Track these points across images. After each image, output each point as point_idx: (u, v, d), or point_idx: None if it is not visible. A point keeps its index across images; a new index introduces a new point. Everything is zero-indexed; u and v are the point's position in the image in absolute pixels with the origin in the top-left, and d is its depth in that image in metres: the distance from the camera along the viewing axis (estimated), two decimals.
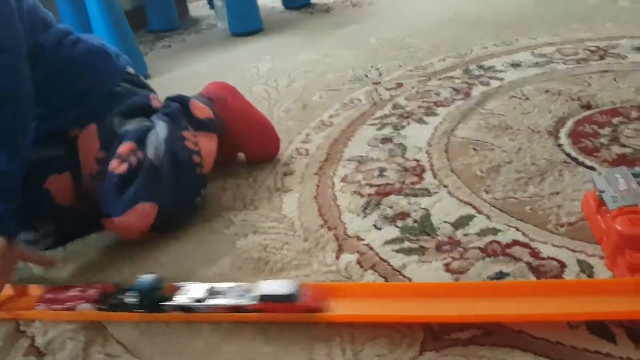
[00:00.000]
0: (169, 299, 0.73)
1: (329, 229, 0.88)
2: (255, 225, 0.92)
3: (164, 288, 0.75)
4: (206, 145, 0.99)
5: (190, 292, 0.73)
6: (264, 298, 0.69)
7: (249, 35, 2.08)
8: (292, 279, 0.77)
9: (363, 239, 0.84)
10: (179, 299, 0.72)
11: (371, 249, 0.81)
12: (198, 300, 0.72)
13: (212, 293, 0.72)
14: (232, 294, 0.72)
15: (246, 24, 2.10)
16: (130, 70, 1.01)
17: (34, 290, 0.82)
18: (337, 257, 0.81)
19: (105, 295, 0.76)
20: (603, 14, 1.68)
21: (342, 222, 0.89)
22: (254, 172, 1.09)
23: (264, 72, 1.69)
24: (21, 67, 0.81)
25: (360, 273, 0.77)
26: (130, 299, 0.74)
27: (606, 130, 1.02)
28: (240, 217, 0.95)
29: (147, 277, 0.75)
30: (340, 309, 0.68)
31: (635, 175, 0.75)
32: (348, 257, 0.80)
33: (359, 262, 0.79)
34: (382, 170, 1.02)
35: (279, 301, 0.68)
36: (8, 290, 0.81)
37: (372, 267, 0.78)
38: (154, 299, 0.73)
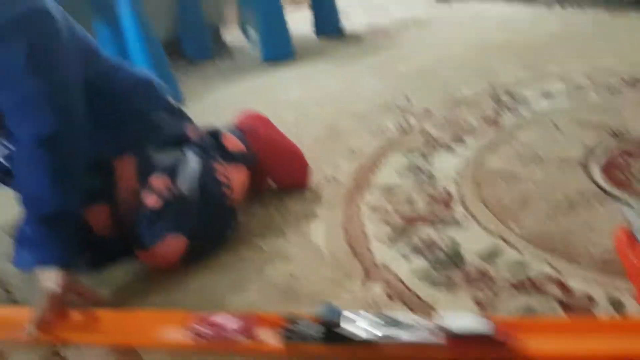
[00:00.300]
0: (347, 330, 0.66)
1: (357, 257, 0.88)
2: (283, 253, 0.93)
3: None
4: (236, 178, 1.02)
5: (361, 323, 0.66)
6: (457, 335, 0.61)
7: (280, 63, 2.12)
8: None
9: (391, 269, 0.84)
10: (352, 329, 0.65)
11: (399, 279, 0.82)
12: (379, 334, 0.64)
13: (389, 325, 0.65)
14: (412, 327, 0.64)
15: (278, 51, 2.14)
16: (171, 100, 1.05)
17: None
18: (365, 287, 0.81)
19: (279, 327, 0.68)
20: (636, 42, 1.66)
21: (370, 251, 0.90)
22: (283, 199, 1.10)
23: (294, 99, 1.72)
24: (77, 104, 0.85)
25: (387, 304, 0.77)
26: (310, 330, 0.66)
27: (639, 162, 1.00)
28: (269, 244, 0.96)
29: (328, 308, 0.68)
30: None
31: None
32: (376, 287, 0.81)
33: (386, 293, 0.79)
34: (410, 199, 1.03)
35: (474, 338, 0.61)
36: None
37: (399, 298, 0.78)
38: (336, 331, 0.65)
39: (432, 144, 1.23)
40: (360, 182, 1.13)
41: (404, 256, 0.87)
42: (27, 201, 0.83)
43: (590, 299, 0.71)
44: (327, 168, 1.20)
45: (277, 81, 1.93)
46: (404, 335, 0.63)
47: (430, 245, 0.88)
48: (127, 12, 1.76)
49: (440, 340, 0.62)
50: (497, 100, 1.40)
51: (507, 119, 1.28)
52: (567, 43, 1.76)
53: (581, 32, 1.86)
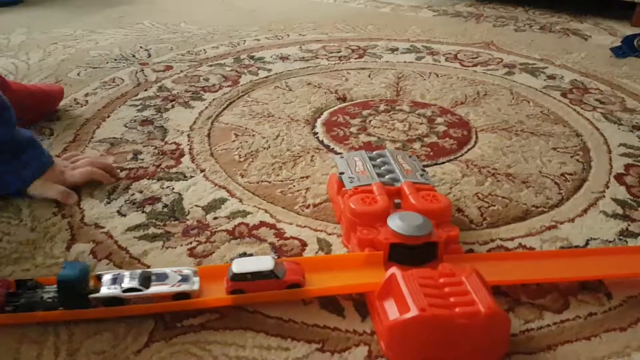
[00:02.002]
0: (97, 291, 0.59)
1: (63, 217, 0.77)
2: None
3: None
4: None
5: (117, 281, 0.60)
6: (239, 277, 0.60)
7: (4, 6, 1.81)
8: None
9: (102, 227, 0.75)
10: (107, 290, 0.59)
11: (110, 237, 0.73)
12: (131, 290, 0.59)
13: (148, 280, 0.60)
14: (173, 279, 0.61)
15: None
16: None
17: None
18: (68, 248, 0.71)
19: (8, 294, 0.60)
20: (366, 18, 1.83)
21: (80, 208, 0.79)
22: None
23: (14, 45, 1.47)
24: None
25: (93, 264, 0.68)
26: (45, 294, 0.59)
27: (357, 121, 1.08)
28: None
29: (69, 267, 0.59)
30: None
31: (371, 159, 0.80)
32: (81, 247, 0.71)
33: (92, 252, 0.70)
34: (136, 153, 0.94)
35: (259, 279, 0.60)
36: None
37: (107, 257, 0.70)
38: (79, 293, 0.58)
39: (169, 98, 1.16)
40: (81, 135, 1.00)
41: (121, 213, 0.79)
42: None
43: (302, 242, 0.73)
44: (44, 119, 1.04)
45: None
46: (166, 288, 0.60)
47: (152, 199, 0.82)
48: None
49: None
50: (239, 60, 1.39)
51: (245, 78, 1.28)
52: (308, 15, 1.85)
53: (321, 6, 1.97)
